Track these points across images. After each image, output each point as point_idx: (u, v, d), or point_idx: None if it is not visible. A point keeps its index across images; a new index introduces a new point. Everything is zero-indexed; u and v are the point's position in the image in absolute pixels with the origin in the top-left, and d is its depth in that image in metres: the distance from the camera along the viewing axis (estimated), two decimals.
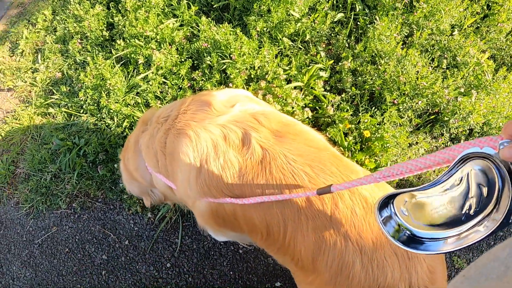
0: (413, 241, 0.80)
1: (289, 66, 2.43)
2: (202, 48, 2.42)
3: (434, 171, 2.24)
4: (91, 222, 2.36)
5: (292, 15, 2.49)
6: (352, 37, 2.55)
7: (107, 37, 2.72)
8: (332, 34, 2.56)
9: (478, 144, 0.67)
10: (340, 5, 2.61)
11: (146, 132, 1.40)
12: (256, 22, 2.47)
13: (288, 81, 2.41)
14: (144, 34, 2.52)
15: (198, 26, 2.57)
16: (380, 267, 1.02)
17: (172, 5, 2.63)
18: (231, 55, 2.36)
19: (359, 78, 2.43)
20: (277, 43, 2.51)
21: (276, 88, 2.30)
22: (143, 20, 2.52)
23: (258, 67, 2.38)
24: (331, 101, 2.37)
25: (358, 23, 2.57)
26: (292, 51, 2.52)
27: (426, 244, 0.79)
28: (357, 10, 2.58)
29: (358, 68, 2.44)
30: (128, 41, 2.56)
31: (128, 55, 2.54)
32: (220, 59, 2.39)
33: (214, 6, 2.65)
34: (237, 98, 1.33)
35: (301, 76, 2.38)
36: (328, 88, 2.45)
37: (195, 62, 2.50)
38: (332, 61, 2.45)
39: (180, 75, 2.41)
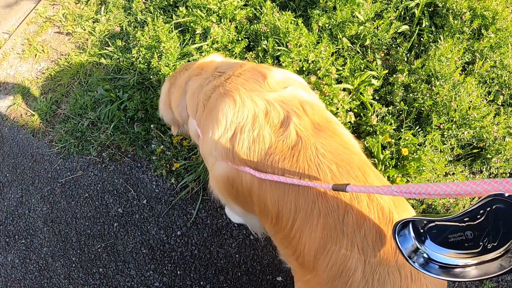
0: (428, 264, 0.77)
1: (342, 67, 2.31)
2: (261, 31, 2.34)
3: (456, 200, 2.08)
4: (116, 174, 2.33)
5: (357, 17, 2.38)
6: (412, 52, 2.41)
7: (170, 2, 2.69)
8: (393, 45, 2.43)
9: (504, 185, 0.62)
10: (407, 17, 2.47)
11: (197, 77, 1.37)
12: (320, 17, 2.37)
13: (338, 82, 2.29)
14: (207, 6, 2.46)
15: (261, 9, 2.49)
16: (381, 282, 0.96)
17: None
18: (287, 44, 2.27)
19: (410, 94, 2.28)
20: (335, 42, 2.40)
21: (325, 85, 2.19)
22: None
23: (312, 61, 2.27)
24: (376, 110, 2.24)
25: (422, 39, 2.43)
26: (349, 52, 2.40)
27: (442, 269, 0.76)
28: (423, 25, 2.43)
29: (412, 84, 2.30)
30: (190, 10, 2.51)
31: (187, 24, 2.49)
32: (276, 45, 2.30)
33: None
34: (292, 81, 1.29)
35: (352, 79, 2.26)
36: (376, 98, 2.32)
37: (251, 43, 2.42)
38: (387, 71, 2.32)
39: (234, 53, 2.34)
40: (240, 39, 2.42)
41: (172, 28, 2.53)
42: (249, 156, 1.10)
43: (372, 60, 2.38)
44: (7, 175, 2.59)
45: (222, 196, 1.32)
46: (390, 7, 2.47)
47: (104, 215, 2.26)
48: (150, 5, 2.76)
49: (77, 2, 3.27)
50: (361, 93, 2.28)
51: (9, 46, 3.23)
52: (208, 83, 1.28)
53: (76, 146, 2.47)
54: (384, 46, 2.40)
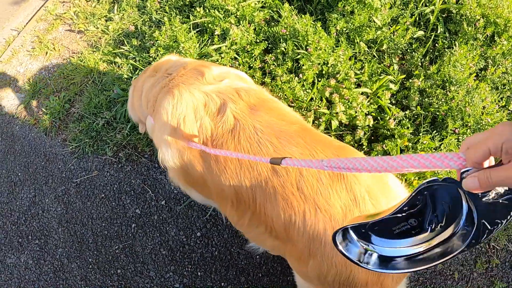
0: (381, 261, 0.74)
1: (360, 71, 2.31)
2: (280, 33, 2.32)
3: None
4: (132, 175, 2.28)
5: (374, 21, 2.38)
6: (427, 57, 2.42)
7: (186, 2, 2.65)
8: (409, 50, 2.44)
9: (442, 161, 0.57)
10: (422, 23, 2.49)
11: (151, 78, 1.45)
12: (338, 21, 2.36)
13: (357, 86, 2.29)
14: (225, 7, 2.44)
15: (279, 11, 2.47)
16: None
17: None
18: (307, 47, 2.26)
19: (426, 99, 2.29)
20: (352, 46, 2.40)
21: (345, 89, 2.18)
22: None
23: (331, 65, 2.26)
24: (394, 114, 2.24)
25: (436, 44, 2.44)
26: (365, 57, 2.40)
27: (395, 262, 0.73)
28: (438, 31, 2.45)
29: (427, 89, 2.31)
30: (207, 11, 2.48)
31: (205, 24, 2.46)
32: (295, 48, 2.29)
33: None
34: (229, 75, 1.36)
35: (370, 83, 2.26)
36: (393, 102, 2.32)
37: (269, 45, 2.40)
38: (404, 76, 2.32)
39: (253, 55, 2.32)
40: (258, 41, 2.40)
41: (190, 28, 2.50)
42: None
43: (388, 64, 2.38)
44: (19, 174, 2.52)
45: (181, 184, 1.38)
46: (406, 13, 2.49)
47: (121, 216, 2.22)
48: (165, 5, 2.72)
49: (88, 0, 3.21)
50: (378, 97, 2.28)
51: (19, 43, 3.15)
52: (157, 85, 1.35)
53: (91, 146, 2.42)
54: (399, 51, 2.42)
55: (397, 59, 2.42)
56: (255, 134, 1.09)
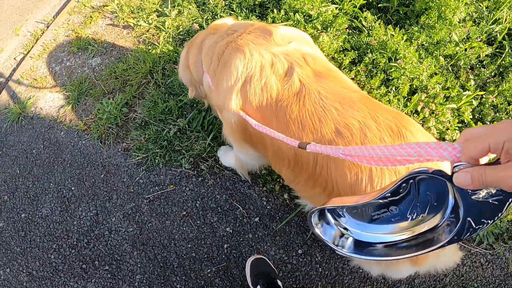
0: (356, 245, 0.70)
1: (445, 85, 2.26)
2: (370, 43, 2.20)
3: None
4: (216, 189, 2.01)
5: (453, 37, 2.35)
6: (493, 73, 2.44)
7: (256, 2, 2.43)
8: (477, 66, 2.44)
9: (437, 150, 0.52)
10: (490, 40, 2.51)
11: (212, 36, 1.42)
12: (420, 34, 2.30)
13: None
14: (306, 11, 2.27)
15: (357, 18, 2.36)
16: None
17: None
18: (397, 59, 2.16)
19: (497, 114, 2.31)
20: (431, 60, 2.35)
21: (437, 104, 2.13)
22: None
23: (421, 79, 2.20)
24: None
25: (503, 61, 2.47)
26: (441, 71, 2.36)
27: (373, 248, 0.69)
28: (506, 50, 2.49)
29: (499, 105, 2.33)
30: (287, 13, 2.29)
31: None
32: (384, 59, 2.19)
33: (372, 3, 2.46)
34: (297, 37, 1.34)
35: (456, 98, 2.23)
36: (470, 117, 2.31)
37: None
38: (484, 92, 2.32)
39: (343, 64, 2.17)
40: (347, 49, 2.26)
41: None
42: (259, 103, 1.15)
43: (465, 80, 2.37)
44: (73, 188, 2.12)
45: (237, 140, 1.38)
46: (478, 30, 2.50)
47: (210, 236, 1.91)
48: (231, 2, 2.47)
49: None
50: (463, 113, 2.25)
51: (50, 37, 2.69)
52: (222, 40, 1.32)
53: (162, 157, 2.10)
54: (468, 67, 2.41)
55: (473, 75, 2.42)
56: (320, 99, 1.09)
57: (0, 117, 2.53)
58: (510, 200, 0.51)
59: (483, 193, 0.51)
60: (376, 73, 2.16)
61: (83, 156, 2.19)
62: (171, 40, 2.44)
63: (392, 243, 0.68)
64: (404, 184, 0.59)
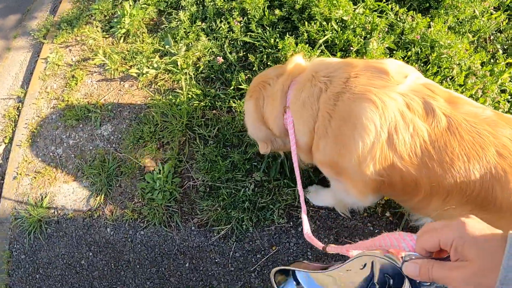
0: None
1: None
2: (414, 39, 2.04)
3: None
4: (321, 232, 1.67)
5: (475, 12, 2.29)
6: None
7: (277, 16, 2.08)
8: (497, 32, 2.42)
9: (399, 241, 0.55)
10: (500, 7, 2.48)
11: (299, 86, 1.23)
12: (447, 16, 2.19)
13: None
14: (339, 17, 2.00)
15: (384, 13, 2.15)
16: None
17: None
18: (439, 47, 2.05)
19: None
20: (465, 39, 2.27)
21: (489, 84, 2.09)
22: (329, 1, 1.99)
23: (470, 64, 2.12)
24: None
25: None
26: (475, 48, 2.31)
27: None
28: None
29: None
30: (319, 23, 1.99)
31: (329, 40, 1.97)
32: (427, 51, 2.05)
33: None
34: (405, 68, 1.20)
35: (500, 73, 2.21)
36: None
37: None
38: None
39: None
40: (390, 48, 2.06)
41: (310, 47, 1.98)
42: (412, 151, 1.04)
43: (494, 50, 2.34)
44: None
45: (362, 193, 1.25)
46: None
47: None
48: (250, 23, 2.08)
49: (106, 35, 2.30)
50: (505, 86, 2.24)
51: (31, 114, 2.04)
52: (321, 91, 1.16)
53: (249, 220, 1.76)
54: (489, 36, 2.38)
55: (497, 43, 2.39)
56: (471, 127, 1.02)
57: (14, 231, 1.96)
58: None
59: (432, 286, 0.52)
60: (428, 68, 2.04)
61: (150, 249, 1.79)
62: (194, 82, 2.03)
63: None
64: (365, 263, 0.61)
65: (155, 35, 2.19)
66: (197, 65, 2.00)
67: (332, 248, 0.82)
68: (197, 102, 1.93)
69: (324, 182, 1.69)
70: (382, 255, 0.55)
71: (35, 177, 1.97)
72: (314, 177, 1.73)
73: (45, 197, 1.92)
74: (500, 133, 1.01)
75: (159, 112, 1.92)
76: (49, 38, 2.38)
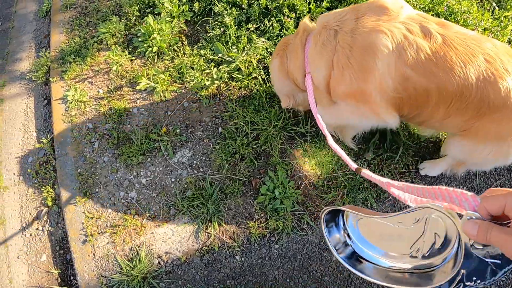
0: (350, 257, 0.71)
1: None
2: (441, 11, 2.30)
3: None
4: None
5: None
6: None
7: (325, 7, 2.10)
8: None
9: (460, 199, 0.52)
10: None
11: (315, 35, 1.40)
12: None
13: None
14: None
15: None
16: None
17: None
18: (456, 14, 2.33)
19: None
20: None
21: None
22: None
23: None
24: None
25: None
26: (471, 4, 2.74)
27: (364, 266, 0.69)
28: None
29: None
30: None
31: None
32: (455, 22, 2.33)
33: None
34: (398, 0, 1.38)
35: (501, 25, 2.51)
36: None
37: None
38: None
39: None
40: None
41: None
42: (417, 62, 1.24)
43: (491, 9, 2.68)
44: None
45: (393, 113, 1.42)
46: None
47: None
48: (300, 17, 2.03)
49: (133, 57, 1.93)
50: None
51: (70, 164, 1.57)
52: (336, 33, 1.33)
53: (373, 197, 1.78)
54: None
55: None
56: (461, 41, 1.22)
57: None
58: (506, 268, 0.49)
59: (483, 251, 0.51)
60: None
61: (293, 258, 1.61)
62: (269, 84, 1.94)
63: (384, 268, 0.66)
64: (418, 218, 0.59)
65: (195, 46, 2.01)
66: (261, 63, 1.92)
67: (368, 174, 0.78)
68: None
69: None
70: (446, 210, 0.51)
71: (114, 233, 1.59)
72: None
73: (140, 250, 1.57)
74: (484, 46, 1.22)
75: (245, 122, 1.77)
76: (54, 76, 1.94)
